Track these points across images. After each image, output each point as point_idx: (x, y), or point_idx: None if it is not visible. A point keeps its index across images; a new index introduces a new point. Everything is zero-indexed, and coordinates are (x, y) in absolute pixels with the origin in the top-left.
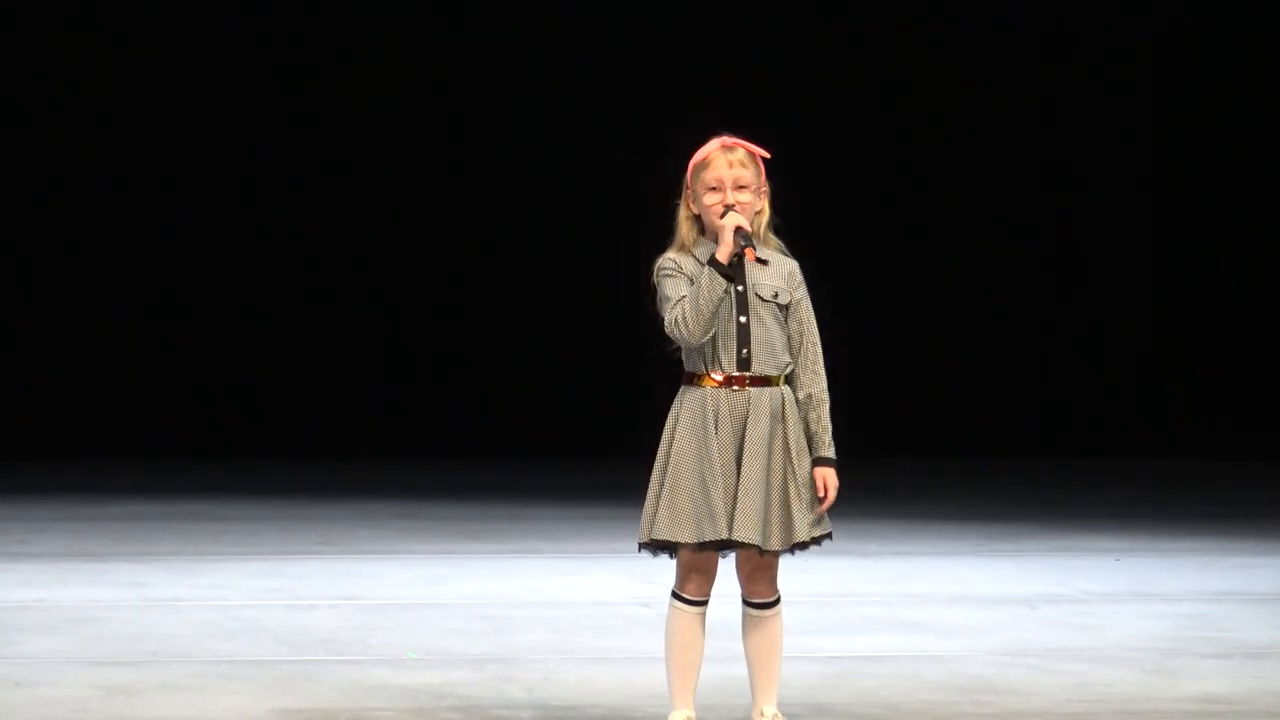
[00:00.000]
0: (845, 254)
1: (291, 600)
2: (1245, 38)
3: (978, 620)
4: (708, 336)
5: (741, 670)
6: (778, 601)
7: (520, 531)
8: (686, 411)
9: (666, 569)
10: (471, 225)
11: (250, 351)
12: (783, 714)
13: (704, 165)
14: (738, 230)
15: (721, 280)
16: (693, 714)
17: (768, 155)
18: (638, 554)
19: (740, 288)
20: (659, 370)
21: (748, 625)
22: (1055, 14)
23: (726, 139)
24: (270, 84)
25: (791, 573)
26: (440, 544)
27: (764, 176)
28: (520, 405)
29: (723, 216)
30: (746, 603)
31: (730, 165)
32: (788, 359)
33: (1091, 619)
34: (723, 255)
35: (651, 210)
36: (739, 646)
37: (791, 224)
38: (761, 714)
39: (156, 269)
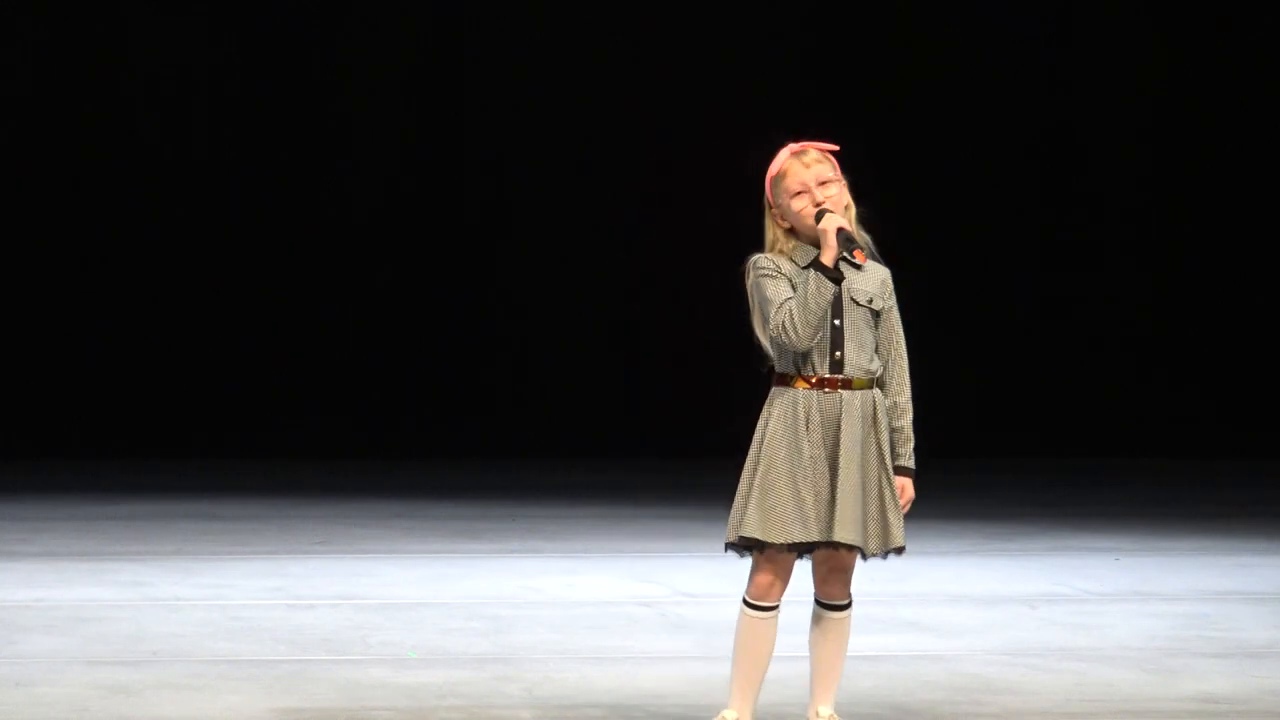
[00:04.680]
0: None
1: (291, 600)
2: (1245, 41)
3: (978, 620)
4: (815, 341)
5: (779, 671)
6: (850, 604)
7: (520, 531)
8: (778, 412)
9: (667, 568)
10: (470, 224)
11: (250, 351)
12: (839, 715)
13: (781, 176)
14: (839, 231)
15: (830, 285)
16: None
17: (836, 148)
18: (724, 554)
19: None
20: (657, 371)
21: (817, 624)
22: (1055, 9)
23: (793, 145)
24: (262, 82)
25: (793, 574)
26: (440, 544)
27: (839, 170)
28: (519, 405)
29: (817, 219)
30: (820, 603)
31: (807, 166)
32: (878, 364)
33: (1091, 619)
34: (827, 258)
35: (650, 210)
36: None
37: None
38: (818, 714)
39: (155, 268)
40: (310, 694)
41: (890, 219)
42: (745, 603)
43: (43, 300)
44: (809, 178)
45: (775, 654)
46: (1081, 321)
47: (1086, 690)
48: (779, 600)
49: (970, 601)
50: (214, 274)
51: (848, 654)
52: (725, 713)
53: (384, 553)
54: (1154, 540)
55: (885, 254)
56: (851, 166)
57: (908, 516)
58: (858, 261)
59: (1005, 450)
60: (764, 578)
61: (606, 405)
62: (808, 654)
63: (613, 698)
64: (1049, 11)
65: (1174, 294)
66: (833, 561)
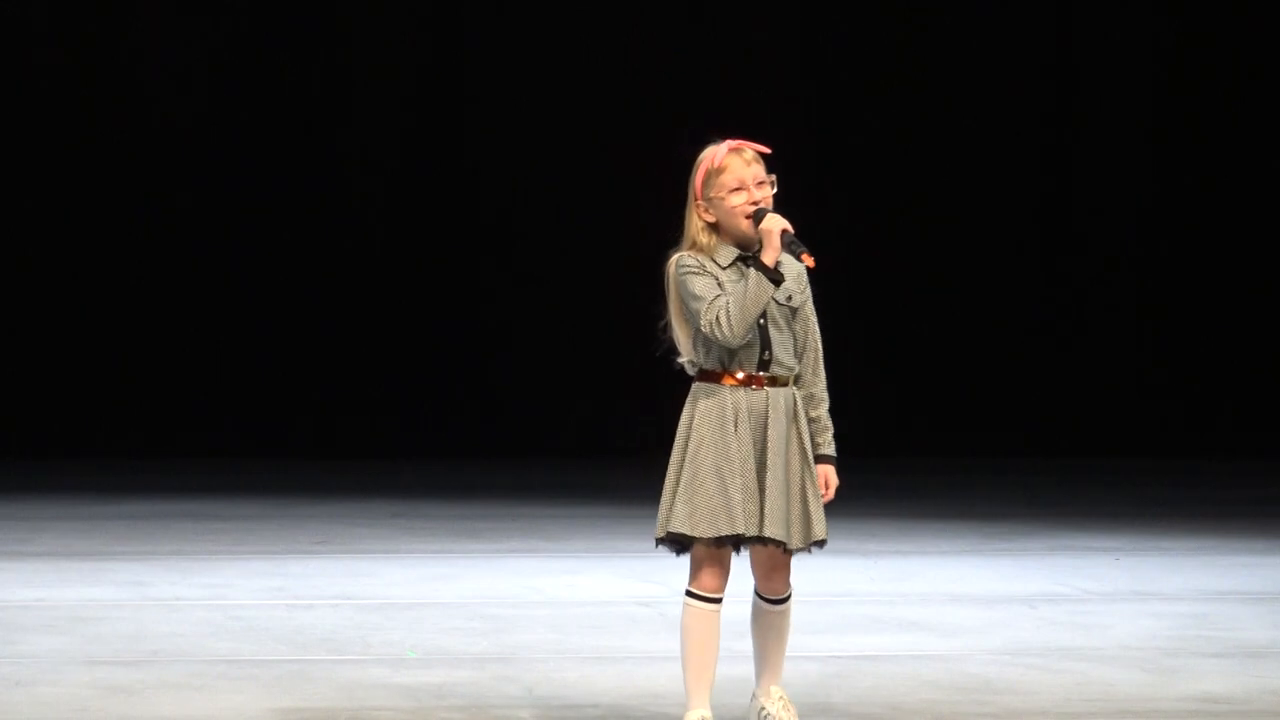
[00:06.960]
0: (841, 250)
1: (291, 600)
2: (1245, 40)
3: (978, 620)
4: (746, 339)
5: (743, 670)
6: (789, 596)
7: (520, 531)
8: (704, 409)
9: (667, 568)
10: (472, 224)
11: (250, 351)
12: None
13: (719, 170)
14: (784, 234)
15: (770, 285)
16: (709, 713)
17: (769, 151)
18: (655, 550)
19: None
20: (660, 370)
21: (760, 617)
22: (1054, 13)
23: (731, 141)
24: (262, 83)
25: (792, 571)
26: (440, 544)
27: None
28: (520, 404)
29: (752, 218)
30: (761, 597)
31: (747, 164)
32: (796, 360)
33: (1091, 619)
34: (769, 259)
35: (651, 210)
36: (740, 645)
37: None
38: (769, 693)
39: (156, 268)
40: (310, 694)
41: (890, 218)
42: (689, 595)
43: (43, 300)
44: (748, 176)
45: (726, 657)
46: (1081, 321)
47: (1086, 690)
48: (722, 592)
49: (970, 601)
50: (215, 274)
51: (789, 645)
52: (690, 714)
53: (384, 553)
54: (1154, 540)
55: (886, 254)
56: (851, 166)
57: (832, 507)
58: (807, 264)
59: (1005, 450)
60: (705, 571)
61: (607, 405)
62: (752, 645)
63: (613, 698)
64: (1049, 10)
65: (1174, 294)
66: (775, 557)
